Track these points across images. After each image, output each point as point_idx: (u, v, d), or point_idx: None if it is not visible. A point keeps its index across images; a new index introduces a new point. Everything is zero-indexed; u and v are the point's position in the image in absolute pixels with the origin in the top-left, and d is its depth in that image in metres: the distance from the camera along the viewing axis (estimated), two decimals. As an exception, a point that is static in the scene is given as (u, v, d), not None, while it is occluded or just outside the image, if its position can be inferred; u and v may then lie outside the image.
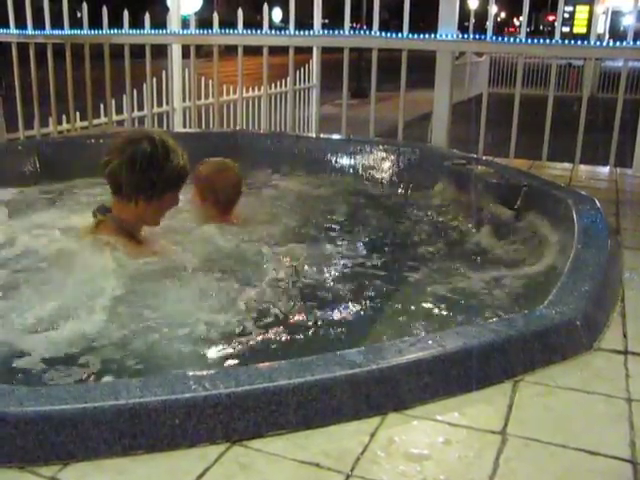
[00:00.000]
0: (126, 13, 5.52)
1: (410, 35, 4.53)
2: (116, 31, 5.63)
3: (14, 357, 2.02)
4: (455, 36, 4.49)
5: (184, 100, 7.04)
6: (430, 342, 1.74)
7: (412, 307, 2.49)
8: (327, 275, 2.78)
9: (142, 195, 2.67)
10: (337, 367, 1.58)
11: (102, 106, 6.36)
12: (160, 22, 5.84)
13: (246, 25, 5.12)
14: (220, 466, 1.40)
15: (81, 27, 5.74)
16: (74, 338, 2.14)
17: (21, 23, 5.86)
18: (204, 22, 5.69)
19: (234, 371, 1.62)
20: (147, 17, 5.56)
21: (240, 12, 5.05)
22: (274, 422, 1.49)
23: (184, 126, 6.80)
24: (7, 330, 2.18)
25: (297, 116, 7.60)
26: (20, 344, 2.10)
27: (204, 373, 1.56)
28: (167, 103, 6.73)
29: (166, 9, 6.65)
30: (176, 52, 6.40)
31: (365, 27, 16.35)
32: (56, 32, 5.84)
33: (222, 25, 5.26)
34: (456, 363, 1.70)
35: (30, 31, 5.84)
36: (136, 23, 5.72)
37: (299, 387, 1.51)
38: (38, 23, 5.85)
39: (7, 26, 5.91)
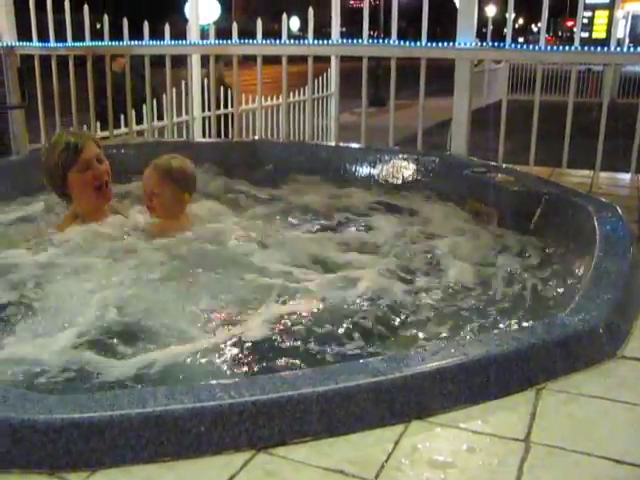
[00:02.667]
0: (146, 24, 5.57)
1: (428, 43, 4.53)
2: (136, 42, 5.68)
3: (42, 365, 2.06)
4: (474, 44, 4.49)
5: (203, 110, 7.11)
6: (453, 350, 1.75)
7: (431, 314, 2.49)
8: (347, 286, 2.78)
9: (59, 190, 3.21)
10: (361, 375, 1.59)
11: (122, 116, 6.43)
12: (179, 32, 5.89)
13: (264, 34, 5.16)
14: (246, 473, 1.41)
15: (102, 39, 5.81)
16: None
17: (44, 36, 5.94)
18: (222, 32, 5.74)
19: (259, 379, 1.63)
20: (167, 28, 5.61)
21: (259, 22, 5.09)
22: (298, 430, 1.50)
23: (203, 135, 6.85)
24: (29, 337, 2.21)
25: (316, 125, 7.63)
26: (45, 351, 2.14)
27: (229, 381, 1.58)
28: (187, 113, 6.79)
29: (185, 20, 6.71)
30: (195, 62, 6.45)
31: (382, 35, 16.40)
32: (78, 44, 5.90)
33: (240, 35, 5.30)
34: (479, 371, 1.71)
35: (52, 43, 5.91)
36: (156, 33, 5.76)
37: (323, 395, 1.53)
38: (60, 36, 5.93)
39: (30, 39, 5.99)
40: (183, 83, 6.85)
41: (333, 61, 8.56)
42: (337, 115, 5.24)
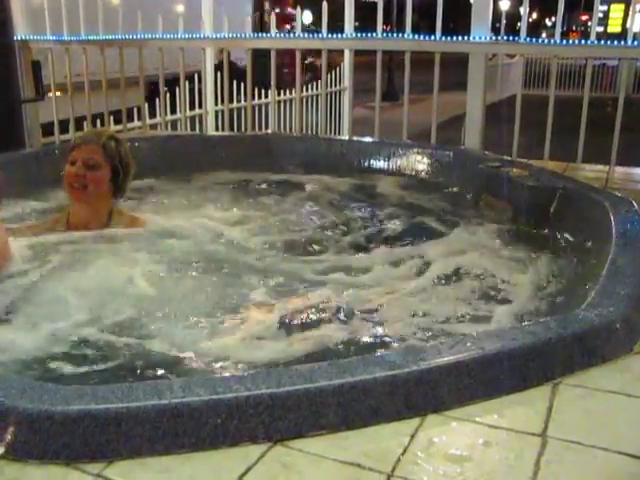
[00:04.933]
0: (160, 18, 5.57)
1: (443, 37, 4.51)
2: (150, 35, 5.68)
3: (58, 355, 2.08)
4: (488, 38, 4.46)
5: (216, 103, 7.11)
6: (469, 344, 1.74)
7: (442, 305, 2.49)
8: (359, 277, 2.78)
9: None
10: (377, 368, 1.59)
11: (135, 110, 6.44)
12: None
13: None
14: (262, 465, 1.41)
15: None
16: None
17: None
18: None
19: (275, 372, 1.64)
20: (181, 21, 5.61)
21: (273, 16, 5.08)
22: (315, 422, 1.50)
23: (217, 129, 6.85)
24: (47, 327, 2.23)
25: (329, 119, 7.62)
26: (64, 342, 2.16)
27: (246, 374, 1.57)
28: (200, 106, 6.79)
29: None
30: (209, 55, 6.45)
31: (395, 29, 16.34)
32: (91, 37, 5.91)
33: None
34: (495, 365, 1.70)
35: (66, 37, 5.92)
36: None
37: (339, 388, 1.53)
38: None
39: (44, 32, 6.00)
40: (196, 76, 6.88)
41: (347, 55, 8.59)
42: (351, 109, 5.23)
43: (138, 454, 1.43)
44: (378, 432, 1.53)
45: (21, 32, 5.75)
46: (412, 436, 1.52)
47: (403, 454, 1.46)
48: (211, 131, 6.58)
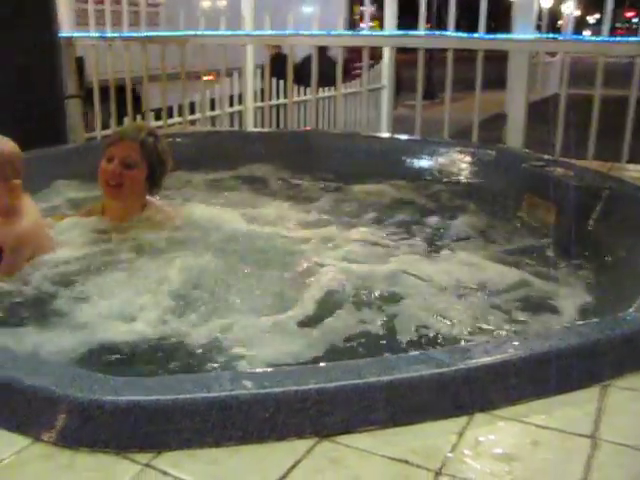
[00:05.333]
0: (199, 13, 5.62)
1: (485, 35, 4.48)
2: (193, 32, 5.73)
3: (106, 345, 2.10)
4: (532, 35, 4.41)
5: (256, 100, 7.14)
6: (517, 343, 1.73)
7: (491, 308, 2.46)
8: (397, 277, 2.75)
9: None
10: (424, 366, 1.58)
11: (176, 106, 6.50)
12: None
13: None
14: (310, 460, 1.41)
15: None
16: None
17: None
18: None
19: (323, 367, 1.64)
20: (223, 19, 5.64)
21: (317, 10, 5.08)
22: (362, 418, 1.50)
23: (255, 126, 6.88)
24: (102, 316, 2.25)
25: (368, 117, 7.60)
26: (105, 333, 2.18)
27: (294, 368, 1.58)
28: (240, 103, 6.83)
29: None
30: (250, 52, 6.48)
31: (434, 28, 16.24)
32: (134, 34, 5.97)
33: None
34: (543, 365, 1.68)
35: (109, 33, 5.99)
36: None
37: (388, 384, 1.52)
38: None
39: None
40: (236, 74, 6.92)
41: (386, 53, 8.57)
42: (391, 107, 5.22)
43: (187, 445, 1.44)
44: (425, 429, 1.52)
45: (66, 29, 5.83)
46: (460, 434, 1.51)
47: (451, 452, 1.45)
48: (250, 128, 6.60)
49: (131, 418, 1.45)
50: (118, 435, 1.45)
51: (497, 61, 4.63)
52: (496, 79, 4.74)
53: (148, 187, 3.11)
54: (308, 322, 2.29)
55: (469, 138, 4.92)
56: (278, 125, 7.43)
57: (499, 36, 4.48)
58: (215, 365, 2.00)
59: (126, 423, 1.45)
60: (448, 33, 4.64)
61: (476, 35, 4.54)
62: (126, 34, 5.98)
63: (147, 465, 1.40)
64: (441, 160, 4.24)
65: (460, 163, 4.15)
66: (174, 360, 2.03)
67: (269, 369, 1.59)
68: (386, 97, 8.92)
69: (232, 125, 6.87)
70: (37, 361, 1.76)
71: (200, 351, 2.07)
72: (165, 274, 2.61)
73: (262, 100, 7.13)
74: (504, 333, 2.24)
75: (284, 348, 2.06)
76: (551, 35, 4.47)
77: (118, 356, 2.04)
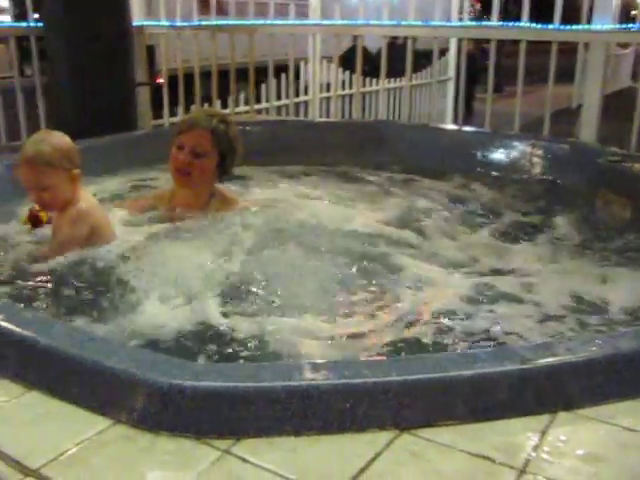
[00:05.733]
0: (272, 3, 5.63)
1: (561, 26, 4.36)
2: (261, 21, 5.75)
3: (170, 332, 2.12)
4: (612, 26, 4.28)
5: (321, 91, 7.14)
6: (602, 342, 1.67)
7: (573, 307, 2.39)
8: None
9: None
10: (507, 361, 1.55)
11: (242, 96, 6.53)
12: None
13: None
14: (390, 452, 1.40)
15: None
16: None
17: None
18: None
19: (404, 359, 1.62)
20: (292, 7, 5.64)
21: (388, 1, 5.02)
22: (443, 412, 1.48)
23: (320, 115, 6.87)
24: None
25: (436, 109, 7.54)
26: (174, 319, 2.20)
27: (375, 359, 1.56)
28: (306, 93, 6.83)
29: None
30: (317, 42, 6.47)
31: (504, 18, 15.95)
32: (203, 22, 6.01)
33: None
34: (630, 365, 1.63)
35: (179, 22, 6.05)
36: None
37: (470, 379, 1.49)
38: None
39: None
40: (302, 64, 6.92)
41: (453, 44, 8.47)
42: (462, 98, 5.13)
43: (266, 433, 1.44)
44: (508, 426, 1.49)
45: (137, 18, 5.90)
46: (543, 433, 1.47)
47: (534, 450, 1.41)
48: (316, 118, 6.60)
49: (211, 404, 1.45)
50: (198, 420, 1.45)
51: (561, 54, 4.51)
52: (561, 72, 4.61)
53: (218, 174, 3.10)
54: (380, 322, 2.26)
55: (537, 132, 4.83)
56: (343, 115, 7.41)
57: (576, 27, 4.36)
58: (279, 355, 1.98)
59: (206, 409, 1.45)
60: (522, 24, 4.54)
61: (551, 26, 4.43)
62: (196, 23, 6.03)
63: (226, 451, 1.41)
64: (512, 154, 4.15)
65: (532, 157, 4.05)
66: (233, 347, 2.02)
67: (350, 360, 1.58)
68: (452, 89, 8.85)
69: (297, 115, 6.87)
70: (115, 343, 1.77)
71: (260, 338, 2.05)
72: (229, 262, 2.62)
73: (327, 90, 7.15)
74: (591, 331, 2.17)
75: (351, 346, 2.05)
76: (631, 25, 4.32)
77: (177, 340, 2.05)
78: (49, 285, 2.46)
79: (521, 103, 4.90)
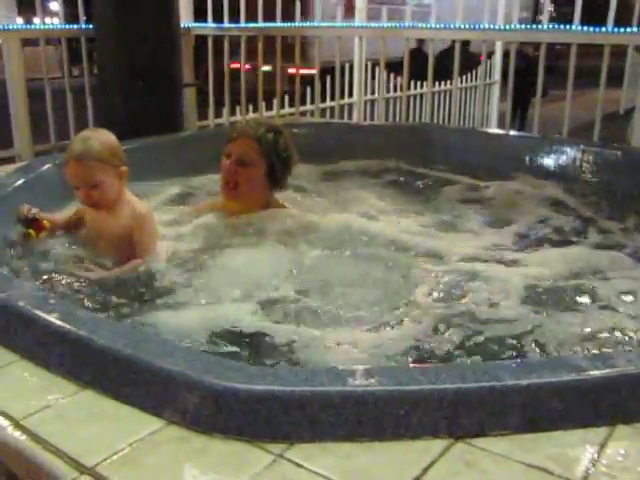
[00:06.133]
0: (319, 7, 5.63)
1: (615, 29, 4.28)
2: (307, 23, 5.75)
3: (224, 335, 2.12)
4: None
5: (365, 93, 7.11)
6: (662, 354, 1.64)
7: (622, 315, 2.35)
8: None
9: None
10: (564, 371, 1.52)
11: (287, 97, 6.55)
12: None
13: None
14: (445, 461, 1.38)
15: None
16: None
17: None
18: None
19: (459, 367, 1.60)
20: (339, 10, 5.64)
21: (434, 4, 5.00)
22: (499, 422, 1.45)
23: (364, 118, 6.85)
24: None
25: (480, 113, 7.47)
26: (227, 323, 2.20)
27: (430, 366, 1.54)
28: (350, 95, 6.82)
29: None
30: (362, 45, 6.45)
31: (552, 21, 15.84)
32: (250, 25, 6.04)
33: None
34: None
35: (226, 24, 6.08)
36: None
37: (526, 388, 1.47)
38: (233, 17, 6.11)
39: (205, 20, 6.20)
40: (347, 66, 6.91)
41: (498, 48, 8.39)
42: (510, 103, 5.08)
43: (320, 439, 1.43)
44: (564, 438, 1.47)
45: (184, 20, 5.95)
46: (602, 446, 1.44)
47: (593, 464, 1.38)
48: (359, 120, 6.58)
49: (266, 407, 1.45)
50: (252, 423, 1.45)
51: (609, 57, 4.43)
52: (608, 76, 4.53)
53: (269, 184, 3.05)
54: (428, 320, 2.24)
55: (585, 137, 4.75)
56: (387, 118, 7.38)
57: (630, 29, 4.27)
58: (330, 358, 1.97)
59: (260, 412, 1.45)
60: (573, 27, 4.48)
61: (603, 29, 4.35)
62: (242, 25, 6.06)
63: (280, 456, 1.40)
64: (561, 159, 4.08)
65: (584, 164, 3.97)
66: (283, 352, 2.02)
67: (405, 367, 1.56)
68: (497, 92, 8.77)
69: (342, 117, 6.86)
70: (170, 344, 1.78)
71: (309, 343, 2.04)
72: (282, 270, 2.63)
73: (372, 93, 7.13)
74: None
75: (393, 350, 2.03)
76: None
77: (230, 343, 2.05)
78: (105, 286, 2.47)
79: (570, 107, 4.83)
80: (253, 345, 2.08)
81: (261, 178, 3.00)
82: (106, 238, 2.69)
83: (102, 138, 2.64)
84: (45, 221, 2.72)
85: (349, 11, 6.37)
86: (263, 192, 3.06)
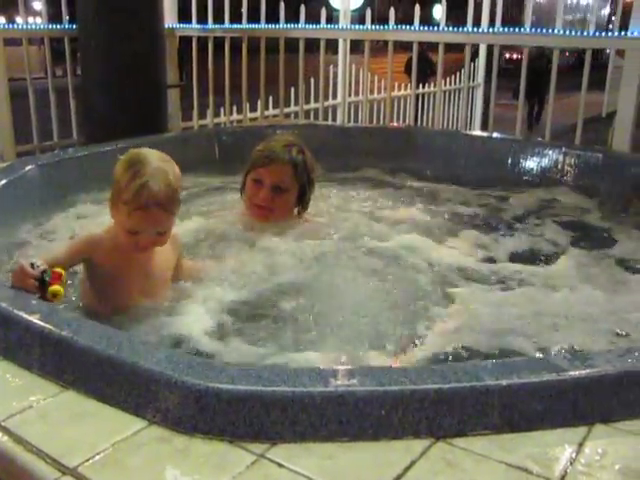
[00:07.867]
0: (303, 8, 5.63)
1: (597, 33, 4.32)
2: (292, 25, 5.76)
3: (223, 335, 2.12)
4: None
5: (349, 95, 7.13)
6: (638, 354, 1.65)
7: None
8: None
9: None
10: (544, 371, 1.53)
11: (271, 98, 6.55)
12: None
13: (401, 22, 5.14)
14: (426, 461, 1.39)
15: (258, 21, 5.94)
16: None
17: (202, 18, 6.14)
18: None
19: (440, 367, 1.61)
20: (323, 12, 5.65)
21: (417, 8, 5.02)
22: (479, 422, 1.47)
23: (348, 120, 6.87)
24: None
25: (465, 115, 7.51)
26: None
27: (411, 368, 1.55)
28: (334, 97, 6.83)
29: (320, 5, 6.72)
30: (345, 47, 6.47)
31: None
32: (235, 26, 6.04)
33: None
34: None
35: (210, 25, 6.08)
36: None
37: (506, 388, 1.48)
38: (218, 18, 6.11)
39: (189, 21, 6.20)
40: (331, 68, 6.93)
41: (482, 50, 8.43)
42: (492, 105, 5.10)
43: (302, 438, 1.44)
44: (543, 437, 1.48)
45: (169, 21, 5.94)
46: (580, 445, 1.45)
47: (572, 463, 1.40)
48: (342, 122, 6.60)
49: (247, 407, 1.45)
50: (233, 423, 1.45)
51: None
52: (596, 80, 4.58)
53: (297, 205, 2.99)
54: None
55: (566, 140, 4.78)
56: (371, 121, 7.40)
57: (610, 34, 4.32)
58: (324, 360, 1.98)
59: (242, 412, 1.45)
60: (555, 31, 4.51)
61: (585, 33, 4.39)
62: (226, 26, 6.06)
63: (262, 456, 1.41)
64: (543, 162, 4.09)
65: (565, 167, 3.99)
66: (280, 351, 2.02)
67: (386, 367, 1.57)
68: (480, 95, 8.81)
69: (325, 119, 6.87)
70: (152, 345, 1.78)
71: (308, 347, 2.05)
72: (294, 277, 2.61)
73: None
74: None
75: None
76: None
77: (225, 345, 2.04)
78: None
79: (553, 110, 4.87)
80: (241, 349, 2.08)
81: (294, 201, 2.96)
82: (158, 276, 2.33)
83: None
84: (56, 268, 2.08)
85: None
86: (291, 214, 3.00)
